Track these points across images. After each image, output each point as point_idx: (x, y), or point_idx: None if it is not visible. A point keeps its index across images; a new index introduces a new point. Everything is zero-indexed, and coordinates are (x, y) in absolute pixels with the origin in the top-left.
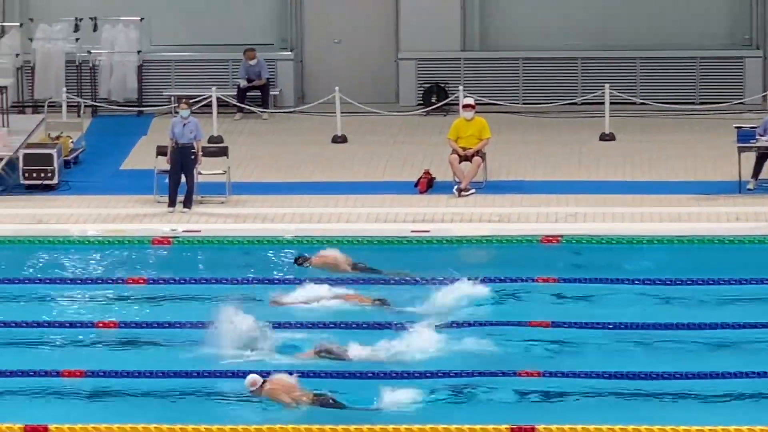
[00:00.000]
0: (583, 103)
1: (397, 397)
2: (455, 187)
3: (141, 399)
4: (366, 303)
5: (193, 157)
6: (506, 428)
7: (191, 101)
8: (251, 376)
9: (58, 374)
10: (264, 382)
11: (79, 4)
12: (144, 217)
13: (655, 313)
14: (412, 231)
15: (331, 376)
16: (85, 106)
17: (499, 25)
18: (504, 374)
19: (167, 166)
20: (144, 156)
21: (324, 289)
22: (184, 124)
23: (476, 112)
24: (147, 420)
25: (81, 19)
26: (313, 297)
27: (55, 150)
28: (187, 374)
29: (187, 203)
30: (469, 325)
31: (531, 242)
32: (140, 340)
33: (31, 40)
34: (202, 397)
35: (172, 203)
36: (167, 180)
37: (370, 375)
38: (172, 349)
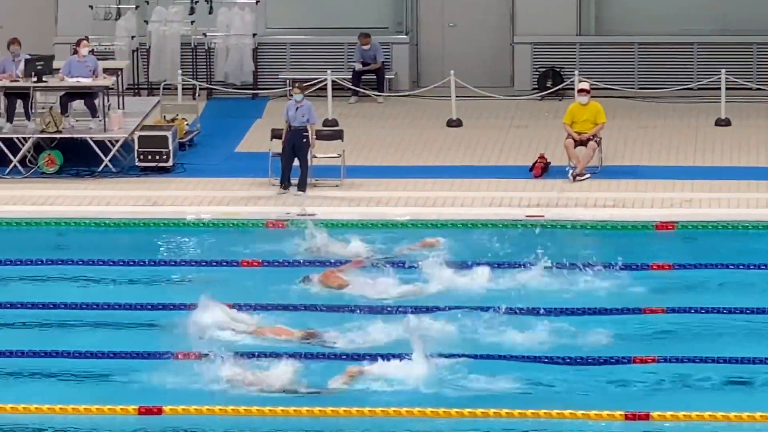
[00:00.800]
0: (698, 89)
1: (512, 382)
2: (570, 171)
3: None
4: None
5: (305, 140)
6: (621, 414)
7: (306, 84)
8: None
9: (172, 356)
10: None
11: None
12: (258, 200)
13: None
14: (527, 215)
15: (453, 356)
16: (200, 88)
17: (614, 10)
18: (619, 361)
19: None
20: (259, 139)
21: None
22: (297, 108)
23: (591, 96)
24: (260, 403)
25: (197, 2)
26: None
27: (170, 132)
28: (300, 356)
29: (301, 186)
30: (583, 312)
31: (646, 228)
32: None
33: (146, 22)
34: (306, 378)
35: (283, 185)
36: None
37: (493, 357)
38: None
